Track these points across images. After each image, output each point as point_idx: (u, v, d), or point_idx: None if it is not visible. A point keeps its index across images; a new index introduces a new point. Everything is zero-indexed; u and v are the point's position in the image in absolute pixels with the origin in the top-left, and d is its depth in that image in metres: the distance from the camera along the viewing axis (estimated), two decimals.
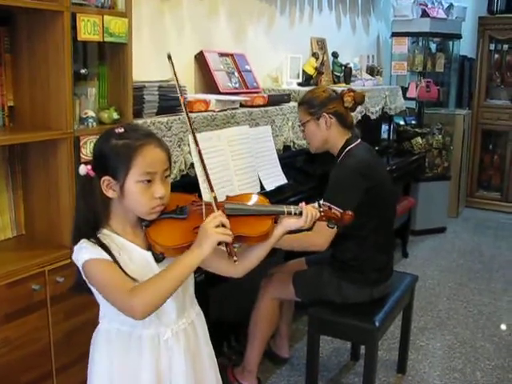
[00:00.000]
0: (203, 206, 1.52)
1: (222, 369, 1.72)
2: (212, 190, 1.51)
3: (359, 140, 2.50)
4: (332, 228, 1.68)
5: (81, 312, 1.97)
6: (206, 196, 2.41)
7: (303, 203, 1.58)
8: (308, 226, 1.57)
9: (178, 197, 1.53)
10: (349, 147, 2.46)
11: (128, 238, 1.46)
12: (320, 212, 1.60)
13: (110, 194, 1.42)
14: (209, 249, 1.38)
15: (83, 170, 1.44)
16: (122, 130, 1.43)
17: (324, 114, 2.46)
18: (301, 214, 1.55)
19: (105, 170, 1.41)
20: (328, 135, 2.49)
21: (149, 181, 1.41)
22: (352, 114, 2.60)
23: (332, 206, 1.65)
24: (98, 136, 2.01)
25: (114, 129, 1.44)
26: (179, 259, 1.39)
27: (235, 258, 1.40)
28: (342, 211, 1.64)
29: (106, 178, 1.41)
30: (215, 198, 1.50)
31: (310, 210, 1.56)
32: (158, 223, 1.46)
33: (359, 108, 3.25)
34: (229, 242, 1.40)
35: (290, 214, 1.56)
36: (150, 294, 1.35)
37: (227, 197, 1.63)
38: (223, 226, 1.40)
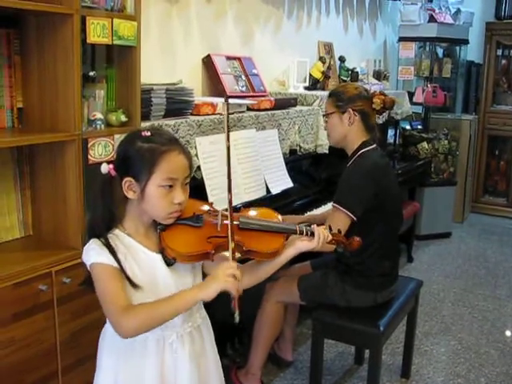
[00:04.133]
0: (219, 217, 1.52)
1: (225, 371, 1.73)
2: (231, 217, 1.49)
3: (375, 145, 2.50)
4: (340, 252, 1.69)
5: (87, 313, 1.98)
6: (213, 198, 2.43)
7: (315, 225, 1.59)
8: (319, 248, 1.58)
9: (193, 203, 1.55)
10: (363, 150, 2.45)
11: (139, 240, 1.48)
12: (331, 235, 1.61)
13: (130, 195, 1.44)
14: (213, 292, 1.37)
15: (105, 168, 1.45)
16: (149, 133, 1.44)
17: (350, 109, 2.45)
18: (312, 234, 1.56)
19: (127, 171, 1.42)
20: (348, 132, 2.48)
21: (170, 186, 1.42)
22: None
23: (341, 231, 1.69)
24: (105, 138, 2.05)
25: (141, 131, 1.46)
26: (181, 293, 1.39)
27: (236, 314, 1.38)
28: (351, 237, 1.68)
29: (128, 178, 1.42)
30: (231, 220, 1.48)
31: (322, 232, 1.57)
32: (173, 228, 1.48)
33: None
34: (235, 294, 1.37)
35: (301, 233, 1.57)
36: (142, 319, 1.36)
37: (243, 208, 1.65)
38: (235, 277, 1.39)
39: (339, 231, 1.68)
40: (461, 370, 3.03)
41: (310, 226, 1.60)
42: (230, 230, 1.46)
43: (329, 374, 2.91)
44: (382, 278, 2.47)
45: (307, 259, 2.78)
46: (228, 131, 1.54)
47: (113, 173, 1.45)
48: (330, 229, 1.64)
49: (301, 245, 1.57)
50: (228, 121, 1.56)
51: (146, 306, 1.37)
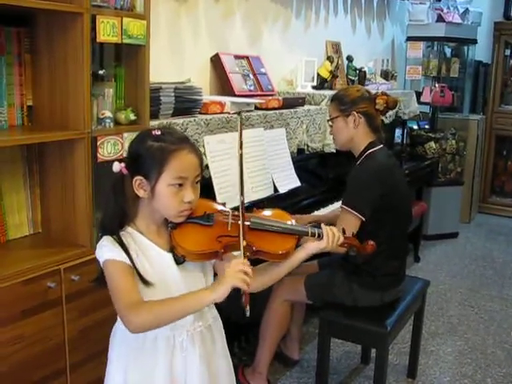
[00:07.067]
0: (230, 217, 1.53)
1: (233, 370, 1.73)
2: (243, 216, 1.50)
3: (381, 145, 2.50)
4: (353, 255, 1.69)
5: (95, 310, 1.99)
6: (220, 197, 2.43)
7: (325, 226, 1.60)
8: (330, 248, 1.59)
9: (205, 203, 1.56)
10: (370, 150, 2.46)
11: (150, 238, 1.49)
12: (344, 238, 1.62)
13: (140, 193, 1.45)
14: (225, 291, 1.36)
15: (117, 167, 1.46)
16: (159, 132, 1.46)
17: (354, 112, 2.46)
18: (323, 236, 1.58)
19: (138, 169, 1.43)
20: (354, 134, 2.48)
21: (180, 185, 1.43)
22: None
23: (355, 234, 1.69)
24: (114, 136, 2.06)
25: (151, 130, 1.47)
26: (193, 294, 1.40)
27: (247, 309, 1.37)
28: (366, 241, 1.68)
29: (139, 177, 1.43)
30: (243, 218, 1.49)
31: (332, 231, 1.58)
32: (184, 227, 1.49)
33: None
34: (245, 290, 1.37)
35: (313, 235, 1.58)
36: (150, 316, 1.35)
37: (255, 209, 1.65)
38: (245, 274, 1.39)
39: (353, 234, 1.68)
40: (467, 370, 3.02)
41: (320, 227, 1.60)
42: (241, 229, 1.47)
43: (335, 373, 2.91)
44: (389, 278, 2.47)
45: (315, 258, 2.78)
46: (241, 140, 1.55)
47: (124, 171, 1.46)
48: (344, 232, 1.64)
49: (312, 246, 1.59)
50: (241, 132, 1.56)
51: (155, 303, 1.38)
